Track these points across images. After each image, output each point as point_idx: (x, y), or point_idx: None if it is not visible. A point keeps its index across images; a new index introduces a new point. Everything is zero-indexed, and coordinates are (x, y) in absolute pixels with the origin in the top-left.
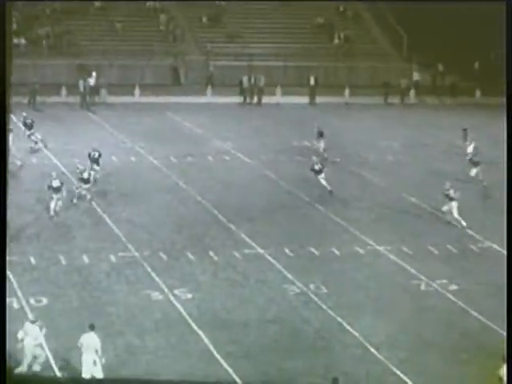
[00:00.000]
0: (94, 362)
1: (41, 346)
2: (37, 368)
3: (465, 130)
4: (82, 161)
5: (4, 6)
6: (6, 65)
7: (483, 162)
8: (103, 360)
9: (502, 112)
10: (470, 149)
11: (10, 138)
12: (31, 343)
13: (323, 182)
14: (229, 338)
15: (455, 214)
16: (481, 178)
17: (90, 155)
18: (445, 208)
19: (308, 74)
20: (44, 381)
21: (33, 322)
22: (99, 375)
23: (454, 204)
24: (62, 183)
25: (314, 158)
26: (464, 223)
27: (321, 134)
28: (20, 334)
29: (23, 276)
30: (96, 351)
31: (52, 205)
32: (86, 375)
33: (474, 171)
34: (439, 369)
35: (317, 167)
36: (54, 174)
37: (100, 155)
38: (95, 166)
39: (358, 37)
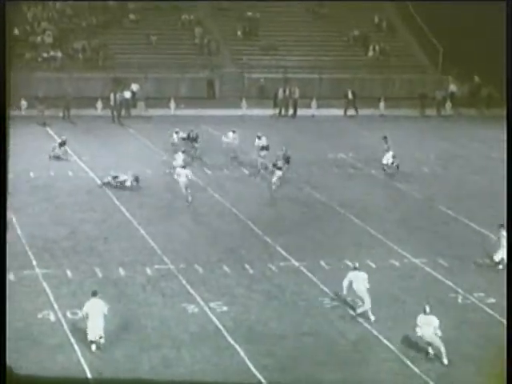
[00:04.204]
0: (100, 324)
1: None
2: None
3: (385, 137)
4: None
5: (4, 7)
6: (5, 67)
7: None
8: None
9: None
10: (388, 157)
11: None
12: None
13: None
14: (264, 351)
15: (274, 179)
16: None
17: (189, 136)
18: (274, 179)
19: (343, 87)
20: (44, 381)
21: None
22: (101, 333)
23: (278, 173)
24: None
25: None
26: (274, 180)
27: (195, 139)
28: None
29: (59, 289)
30: (104, 315)
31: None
32: (92, 338)
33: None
34: (477, 382)
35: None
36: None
37: (198, 135)
38: (195, 144)
39: (393, 49)
